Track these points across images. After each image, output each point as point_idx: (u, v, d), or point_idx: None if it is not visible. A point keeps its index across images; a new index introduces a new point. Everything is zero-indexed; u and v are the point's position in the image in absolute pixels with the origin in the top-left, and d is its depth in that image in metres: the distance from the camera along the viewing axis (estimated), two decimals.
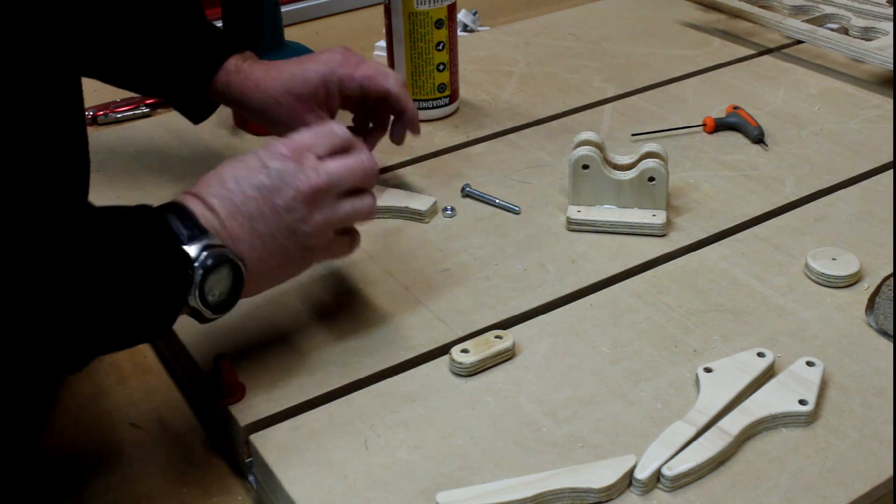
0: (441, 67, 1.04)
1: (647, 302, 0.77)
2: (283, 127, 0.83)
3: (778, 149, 0.98)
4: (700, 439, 0.62)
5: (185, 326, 0.65)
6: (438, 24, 1.01)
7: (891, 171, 0.93)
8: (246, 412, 0.67)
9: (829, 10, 1.24)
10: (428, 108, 1.05)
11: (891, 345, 0.72)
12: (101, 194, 0.92)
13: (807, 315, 0.75)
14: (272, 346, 0.73)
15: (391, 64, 1.05)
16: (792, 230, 0.85)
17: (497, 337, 0.71)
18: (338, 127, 0.69)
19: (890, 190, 0.90)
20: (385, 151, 0.94)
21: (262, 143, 0.89)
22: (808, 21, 1.21)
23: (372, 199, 0.70)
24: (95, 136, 0.93)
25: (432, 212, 0.88)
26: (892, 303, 0.72)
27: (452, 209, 0.89)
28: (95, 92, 0.96)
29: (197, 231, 0.60)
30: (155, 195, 0.92)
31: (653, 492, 0.60)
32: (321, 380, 0.70)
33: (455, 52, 1.04)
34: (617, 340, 0.73)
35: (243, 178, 0.64)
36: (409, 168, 0.96)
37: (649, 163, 0.83)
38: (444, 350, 0.72)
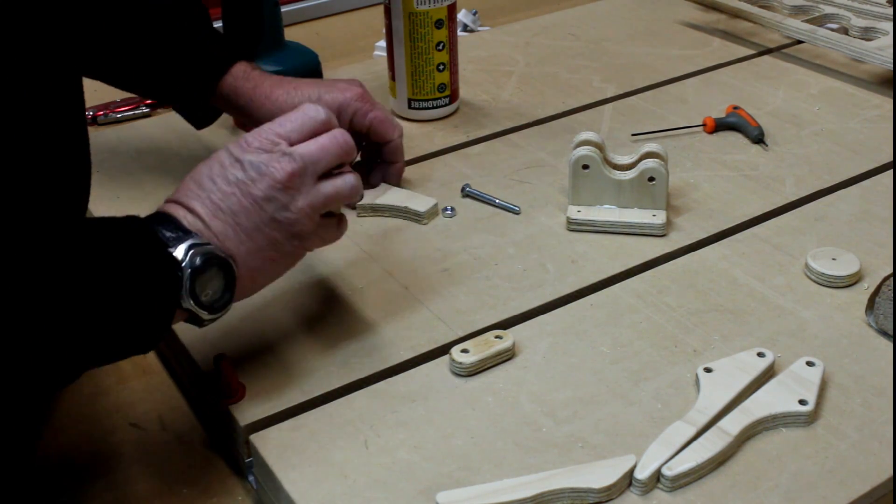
0: (441, 67, 1.04)
1: (647, 302, 0.77)
2: None
3: (778, 149, 0.98)
4: (700, 439, 0.62)
5: (185, 327, 0.65)
6: (438, 24, 1.01)
7: (891, 171, 0.93)
8: (246, 412, 0.67)
9: (829, 10, 1.24)
10: (428, 108, 1.05)
11: (891, 345, 0.72)
12: (102, 194, 0.92)
13: (807, 315, 0.75)
14: (272, 347, 0.73)
15: (391, 64, 1.05)
16: (792, 230, 0.85)
17: (497, 337, 0.71)
18: (312, 108, 0.68)
19: (890, 190, 0.90)
20: None
21: None
22: (808, 21, 1.21)
23: (353, 176, 0.68)
24: (95, 136, 0.92)
25: (432, 213, 0.88)
26: (892, 303, 0.72)
27: (452, 209, 0.89)
28: (95, 92, 0.96)
29: (181, 233, 0.60)
30: (155, 195, 0.93)
31: (653, 492, 0.60)
32: (321, 380, 0.70)
33: (455, 52, 1.04)
34: (617, 340, 0.73)
35: (218, 176, 0.64)
36: (409, 168, 0.96)
37: (649, 163, 0.83)
38: (444, 350, 0.72)
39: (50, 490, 0.66)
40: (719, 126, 1.02)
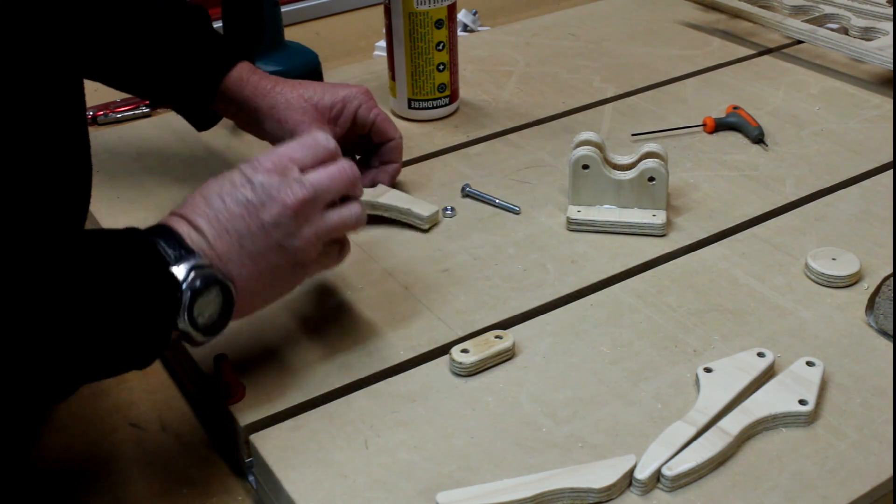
0: (441, 67, 1.04)
1: (647, 302, 0.77)
2: (280, 136, 0.83)
3: (778, 149, 0.98)
4: (700, 439, 0.62)
5: None
6: (438, 24, 1.01)
7: (891, 171, 0.93)
8: (246, 412, 0.67)
9: (829, 10, 1.24)
10: (428, 108, 1.05)
11: (891, 345, 0.72)
12: (102, 194, 0.92)
13: (807, 315, 0.75)
14: (272, 347, 0.73)
15: (391, 64, 1.05)
16: (792, 230, 0.85)
17: (497, 337, 0.71)
18: (322, 136, 0.68)
19: (890, 190, 0.90)
20: None
21: (261, 143, 0.89)
22: (808, 21, 1.21)
23: (359, 206, 0.68)
24: (96, 136, 0.92)
25: (432, 219, 0.87)
26: (892, 303, 0.72)
27: (452, 209, 0.89)
28: (96, 92, 0.96)
29: (184, 252, 0.59)
30: (155, 195, 0.93)
31: (653, 492, 0.60)
32: (321, 380, 0.70)
33: (455, 52, 1.04)
34: (617, 340, 0.73)
35: (228, 195, 0.62)
36: (409, 168, 0.96)
37: (649, 163, 0.83)
38: (444, 350, 0.72)
39: (50, 490, 0.66)
40: (719, 126, 1.02)
